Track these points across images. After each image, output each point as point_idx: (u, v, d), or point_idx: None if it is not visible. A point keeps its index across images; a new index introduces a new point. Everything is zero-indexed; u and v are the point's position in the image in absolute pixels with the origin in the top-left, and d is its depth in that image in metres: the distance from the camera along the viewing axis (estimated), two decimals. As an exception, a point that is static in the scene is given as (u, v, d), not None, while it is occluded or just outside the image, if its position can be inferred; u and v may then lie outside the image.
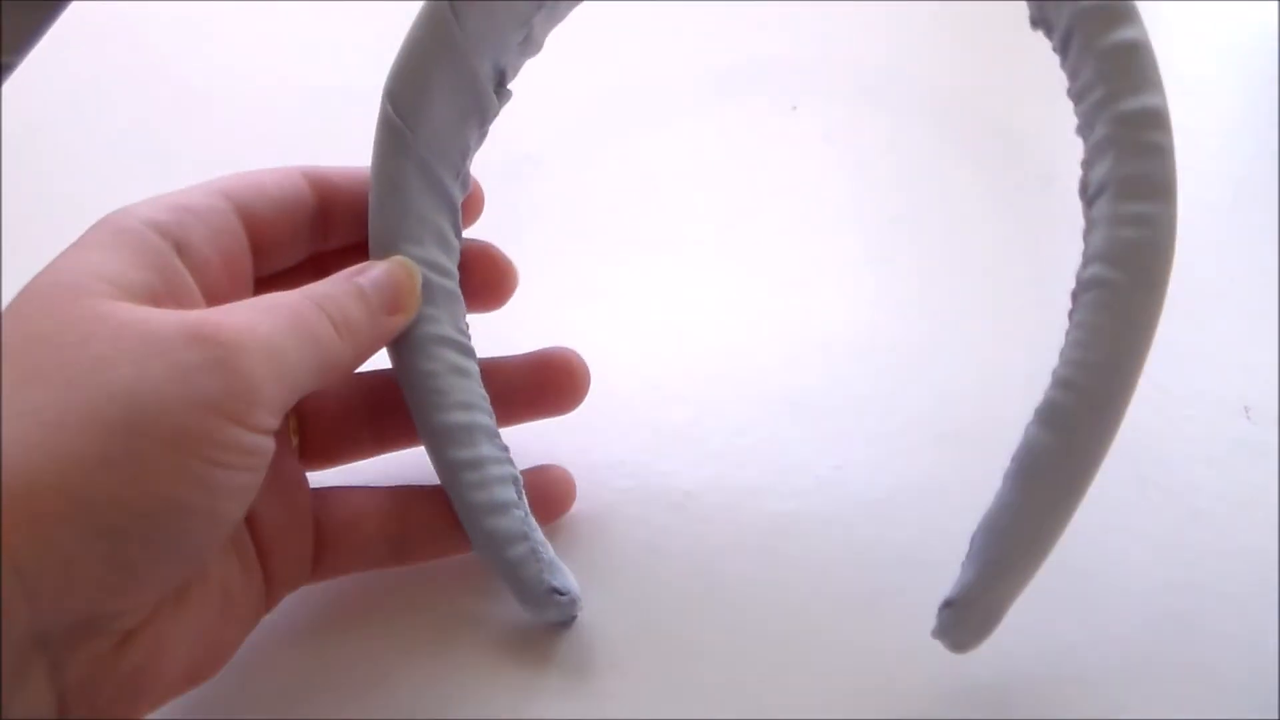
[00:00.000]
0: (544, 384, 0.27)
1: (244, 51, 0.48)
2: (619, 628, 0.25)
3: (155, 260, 0.21)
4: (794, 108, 0.42)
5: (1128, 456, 0.28)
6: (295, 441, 0.26)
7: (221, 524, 0.20)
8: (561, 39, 0.27)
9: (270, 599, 0.24)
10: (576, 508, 0.27)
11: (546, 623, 0.25)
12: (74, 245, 0.21)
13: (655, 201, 0.38)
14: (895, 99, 0.33)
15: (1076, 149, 0.28)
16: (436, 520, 0.25)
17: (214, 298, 0.22)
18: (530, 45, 0.27)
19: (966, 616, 0.22)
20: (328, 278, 0.23)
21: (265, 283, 0.25)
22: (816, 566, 0.26)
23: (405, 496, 0.26)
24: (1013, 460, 0.22)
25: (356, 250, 0.26)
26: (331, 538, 0.25)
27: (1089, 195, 0.23)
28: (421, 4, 0.26)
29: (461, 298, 0.25)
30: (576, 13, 0.27)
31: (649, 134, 0.41)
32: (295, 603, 0.25)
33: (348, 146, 0.27)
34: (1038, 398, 0.22)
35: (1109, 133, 0.23)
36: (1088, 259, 0.22)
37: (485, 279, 0.27)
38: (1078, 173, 0.28)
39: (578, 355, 0.27)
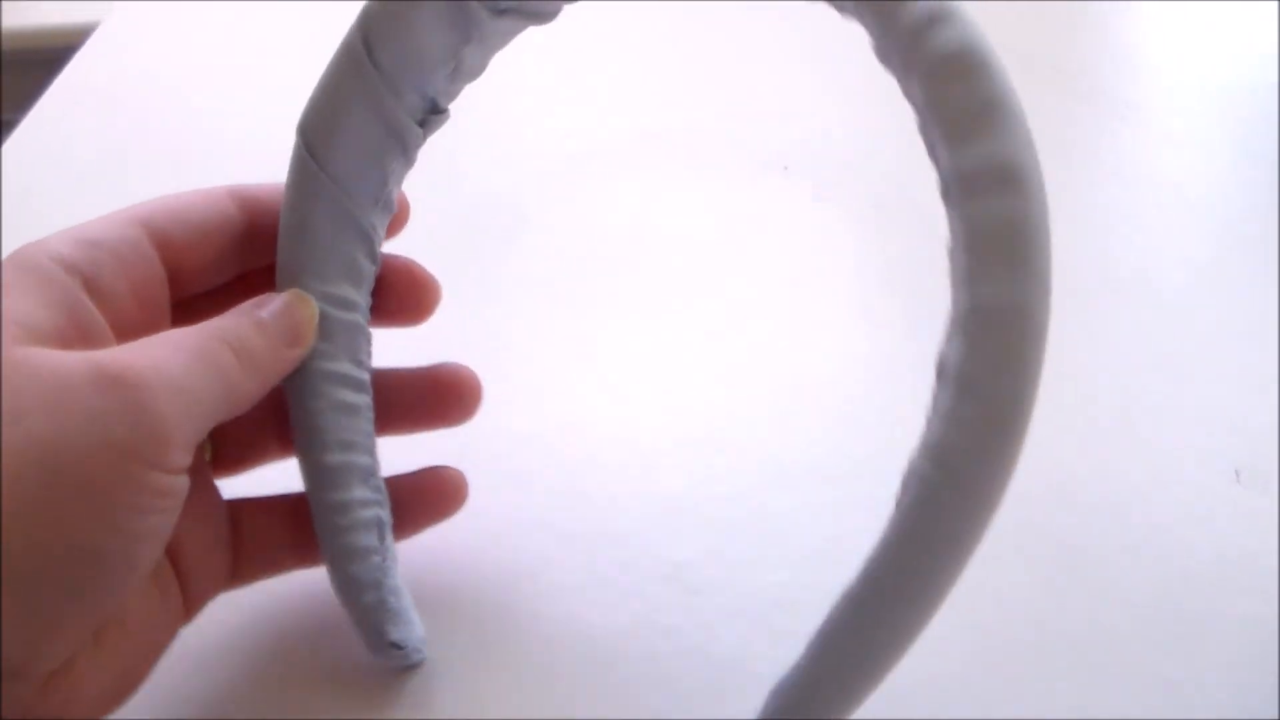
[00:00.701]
0: (437, 396, 0.27)
1: (239, 116, 0.48)
2: (610, 701, 0.25)
3: (63, 298, 0.21)
4: (785, 168, 0.42)
5: (1120, 520, 0.28)
6: (209, 454, 0.26)
7: (139, 567, 0.20)
8: (553, 97, 0.27)
9: (189, 610, 0.24)
10: (566, 580, 0.27)
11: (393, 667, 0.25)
12: None
13: (645, 262, 0.38)
14: (886, 160, 0.33)
15: (1074, 207, 0.29)
16: None
17: (125, 331, 0.22)
18: (463, 73, 0.26)
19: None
20: (230, 310, 0.23)
21: (189, 303, 0.25)
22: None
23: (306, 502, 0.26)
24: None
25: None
26: (245, 548, 0.25)
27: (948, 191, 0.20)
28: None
29: (365, 329, 0.26)
30: (568, 70, 0.27)
31: (640, 193, 0.42)
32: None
33: None
34: (1035, 459, 0.21)
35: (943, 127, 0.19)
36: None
37: (406, 295, 0.27)
38: (1071, 237, 0.28)
39: (470, 370, 0.27)
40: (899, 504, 0.19)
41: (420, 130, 0.26)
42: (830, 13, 0.28)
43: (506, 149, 0.29)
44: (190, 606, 0.24)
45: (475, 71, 0.27)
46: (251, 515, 0.25)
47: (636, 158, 0.43)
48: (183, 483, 0.20)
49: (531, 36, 0.26)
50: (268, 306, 0.23)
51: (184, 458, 0.20)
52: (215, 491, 0.25)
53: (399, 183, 0.27)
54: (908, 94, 0.20)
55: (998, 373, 0.18)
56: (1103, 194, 0.40)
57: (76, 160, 0.46)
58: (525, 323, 0.35)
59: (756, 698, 0.23)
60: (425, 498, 0.27)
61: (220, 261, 0.25)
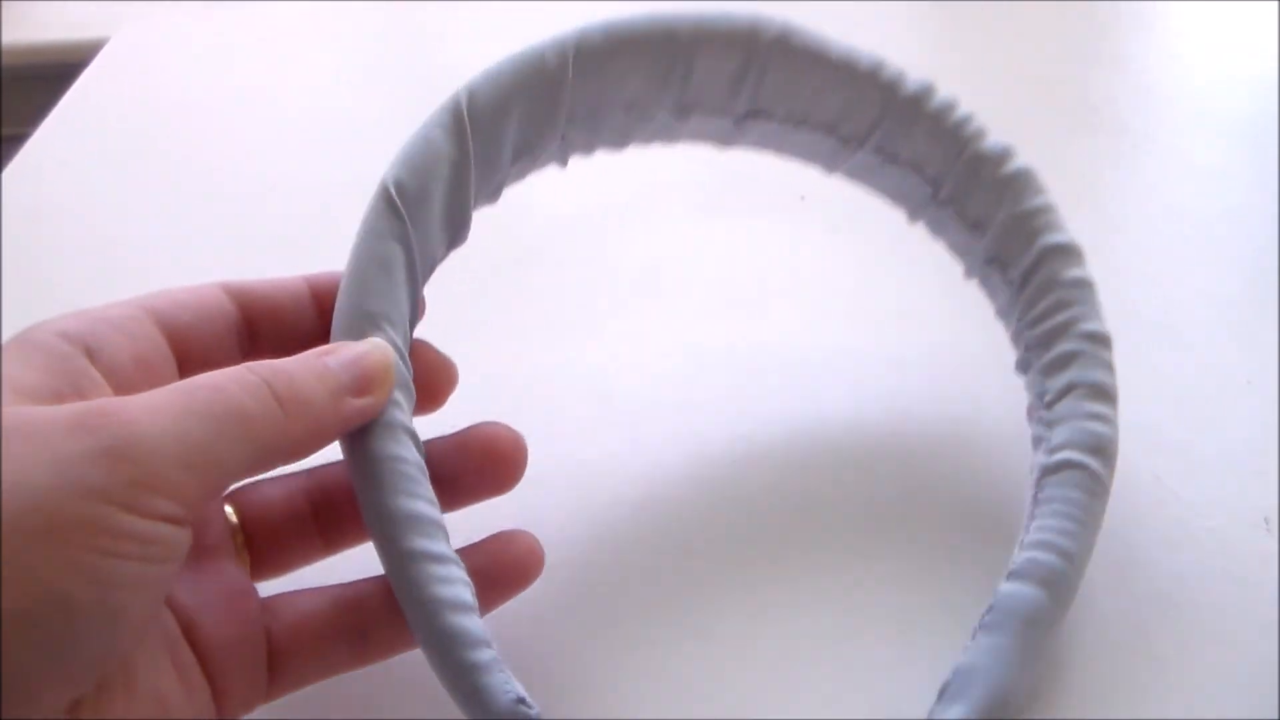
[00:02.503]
0: (480, 465, 0.26)
1: (247, 134, 0.48)
2: None
3: (61, 365, 0.21)
4: (802, 198, 0.42)
5: (1147, 573, 0.27)
6: (245, 557, 0.25)
7: (123, 618, 0.19)
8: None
9: (223, 715, 0.23)
10: (585, 618, 0.26)
11: None
12: None
13: (661, 291, 0.37)
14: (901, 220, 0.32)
15: (1092, 241, 0.29)
16: (392, 611, 0.24)
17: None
18: (536, 165, 0.28)
19: None
20: (296, 355, 0.22)
21: None
22: (831, 689, 0.25)
23: (356, 589, 0.25)
24: (997, 612, 0.24)
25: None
26: (285, 644, 0.24)
27: (1049, 400, 0.27)
28: (442, 104, 0.26)
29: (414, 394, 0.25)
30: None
31: (655, 222, 0.41)
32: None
33: (337, 235, 0.26)
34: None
35: (1076, 348, 0.27)
36: (1057, 446, 0.26)
37: (425, 380, 0.26)
38: (1095, 276, 0.28)
39: (509, 428, 0.26)
40: (1065, 499, 0.25)
41: (469, 228, 0.27)
42: (846, 35, 0.28)
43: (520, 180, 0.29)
44: (225, 708, 0.23)
45: (544, 164, 0.28)
46: (287, 609, 0.24)
47: (650, 184, 0.43)
48: (171, 532, 0.19)
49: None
50: (337, 353, 0.23)
51: (174, 507, 0.19)
52: (246, 582, 0.24)
53: (444, 257, 0.27)
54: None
55: (1112, 381, 0.27)
56: (1123, 228, 0.39)
57: (83, 177, 0.45)
58: (541, 350, 0.35)
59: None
60: (501, 569, 0.25)
61: (221, 349, 0.24)
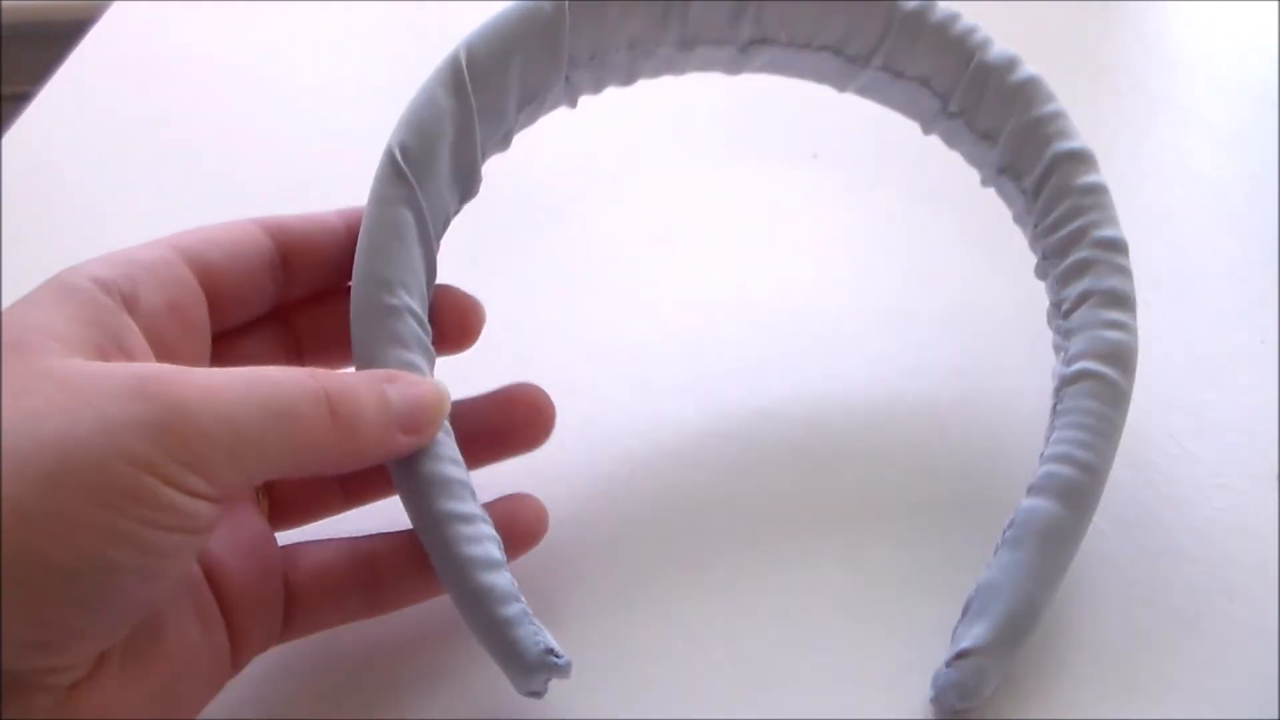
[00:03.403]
0: (509, 422, 0.26)
1: (252, 96, 0.48)
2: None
3: (101, 316, 0.21)
4: (814, 155, 0.41)
5: (1161, 529, 0.27)
6: (265, 504, 0.26)
7: (156, 582, 0.19)
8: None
9: (237, 660, 0.23)
10: (574, 613, 0.26)
11: (522, 692, 0.23)
12: (19, 303, 0.21)
13: (674, 250, 0.37)
14: (917, 148, 0.32)
15: (1116, 201, 0.28)
16: (404, 565, 0.25)
17: (165, 349, 0.22)
18: (542, 111, 0.28)
19: (984, 666, 0.23)
20: (363, 372, 0.23)
21: (229, 335, 0.25)
22: (827, 691, 0.25)
23: (371, 543, 0.25)
24: (1017, 527, 0.24)
25: (321, 299, 0.26)
26: (301, 592, 0.24)
27: (1065, 308, 0.27)
28: (441, 62, 0.26)
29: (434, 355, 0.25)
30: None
31: (668, 181, 0.41)
32: (259, 668, 0.24)
33: (348, 188, 0.27)
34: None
35: (1090, 255, 0.27)
36: (1074, 356, 0.26)
37: (453, 321, 0.26)
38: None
39: (541, 390, 0.27)
40: (1082, 409, 0.25)
41: (479, 182, 0.27)
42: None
43: (532, 138, 0.28)
44: (240, 649, 0.23)
45: (551, 108, 0.28)
46: (304, 558, 0.25)
47: (664, 145, 0.42)
48: (205, 508, 0.19)
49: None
50: (399, 384, 0.23)
51: (211, 488, 0.19)
52: (267, 531, 0.24)
53: (457, 212, 0.27)
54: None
55: (1129, 286, 0.27)
56: (1142, 192, 0.39)
57: (91, 136, 0.45)
58: (553, 309, 0.35)
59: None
60: (506, 532, 0.25)
61: (256, 287, 0.25)
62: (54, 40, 0.56)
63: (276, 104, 0.47)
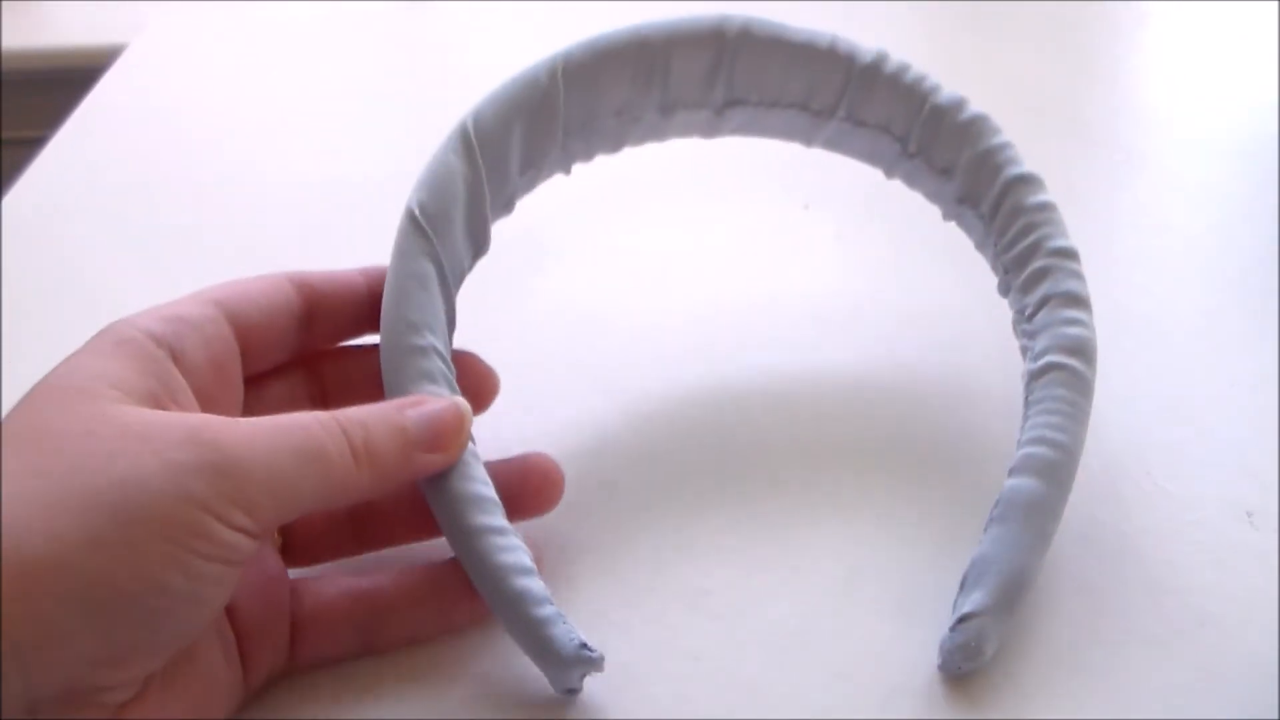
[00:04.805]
0: (523, 488, 0.28)
1: (262, 145, 0.49)
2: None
3: (154, 368, 0.23)
4: (806, 206, 0.43)
5: (1138, 562, 0.29)
6: (279, 541, 0.27)
7: (204, 608, 0.21)
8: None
9: (247, 685, 0.25)
10: (592, 605, 0.28)
11: (561, 688, 0.25)
12: (80, 352, 0.23)
13: (668, 298, 0.39)
14: (906, 200, 0.34)
15: (1088, 254, 0.30)
16: (404, 601, 0.26)
17: (207, 400, 0.24)
18: (542, 177, 0.31)
19: (984, 627, 0.25)
20: (379, 404, 0.25)
21: (255, 380, 0.27)
22: (831, 667, 0.26)
23: (373, 580, 0.26)
24: (1003, 505, 0.27)
25: (340, 351, 0.29)
26: (303, 626, 0.26)
27: (1029, 312, 0.30)
28: (452, 129, 0.29)
29: None
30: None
31: (663, 230, 0.42)
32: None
33: (354, 238, 0.28)
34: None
35: (1046, 264, 0.30)
36: (1040, 353, 0.29)
37: (472, 386, 0.28)
38: (1088, 277, 0.30)
39: (553, 461, 0.29)
40: (1052, 396, 0.28)
41: (489, 242, 0.30)
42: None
43: (538, 189, 0.30)
44: (249, 678, 0.25)
45: (549, 174, 0.31)
46: (309, 594, 0.26)
47: (660, 195, 0.44)
48: (248, 544, 0.21)
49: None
50: (415, 410, 0.25)
51: (254, 525, 0.21)
52: (280, 568, 0.26)
53: (471, 268, 0.30)
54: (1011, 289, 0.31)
55: (1083, 289, 0.30)
56: (1117, 242, 0.41)
57: (103, 182, 0.46)
58: (550, 352, 0.36)
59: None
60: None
61: (283, 341, 0.27)
62: (65, 85, 0.58)
63: (289, 143, 0.49)
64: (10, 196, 0.45)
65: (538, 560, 0.26)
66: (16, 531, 0.19)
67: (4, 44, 0.80)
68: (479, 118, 0.29)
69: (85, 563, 0.19)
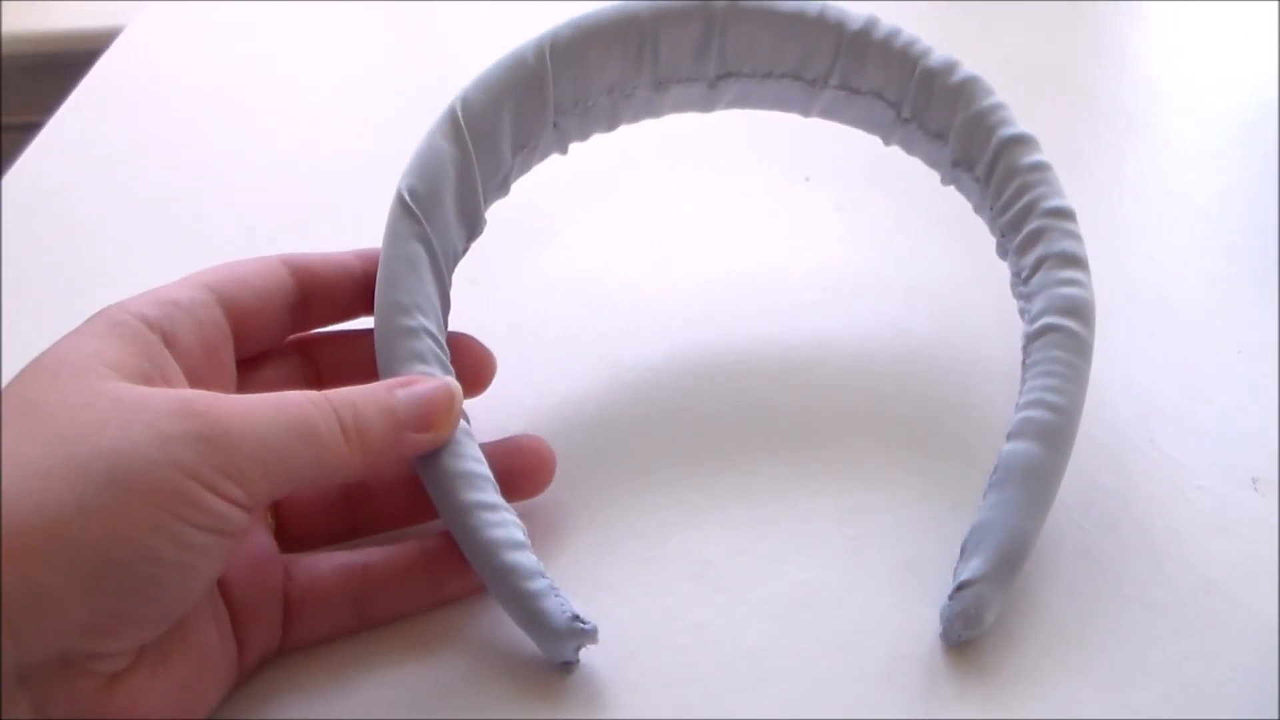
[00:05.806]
0: (515, 470, 0.28)
1: (258, 127, 0.49)
2: (639, 698, 0.25)
3: (146, 350, 0.23)
4: (807, 179, 0.43)
5: (1142, 528, 0.28)
6: (272, 524, 0.27)
7: (195, 578, 0.21)
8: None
9: (241, 665, 0.25)
10: (596, 578, 0.28)
11: (556, 660, 0.25)
12: (74, 333, 0.23)
13: (669, 271, 0.39)
14: (907, 171, 0.34)
15: (1094, 223, 0.30)
16: (396, 574, 0.26)
17: (197, 381, 0.25)
18: (536, 158, 0.31)
19: (984, 593, 0.25)
20: (371, 384, 0.25)
21: (250, 363, 0.27)
22: (834, 637, 0.26)
23: (365, 555, 0.27)
24: (1001, 470, 0.27)
25: (335, 335, 0.29)
26: (297, 604, 0.26)
27: (1025, 274, 0.29)
28: (441, 113, 0.29)
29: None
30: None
31: (665, 205, 0.42)
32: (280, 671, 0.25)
33: (351, 220, 0.28)
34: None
35: (1041, 224, 0.29)
36: (1036, 315, 0.28)
37: (468, 368, 0.28)
38: (1093, 253, 0.30)
39: (544, 443, 0.29)
40: (1049, 359, 0.27)
41: (484, 222, 0.30)
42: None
43: (535, 166, 0.30)
44: (243, 656, 0.25)
45: (544, 155, 0.31)
46: (301, 572, 0.26)
47: (660, 169, 0.44)
48: (239, 515, 0.21)
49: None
50: (405, 390, 0.25)
51: (244, 495, 0.21)
52: (273, 548, 0.26)
53: (465, 250, 0.29)
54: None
55: (1080, 248, 0.29)
56: (1122, 210, 0.41)
57: (99, 166, 0.46)
58: (552, 327, 0.36)
59: (786, 695, 0.24)
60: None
61: (276, 323, 0.27)
62: (62, 70, 0.57)
63: (283, 129, 0.48)
64: (8, 178, 0.45)
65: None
66: (8, 499, 0.19)
67: (3, 29, 0.80)
68: (467, 100, 0.29)
69: (76, 530, 0.19)
